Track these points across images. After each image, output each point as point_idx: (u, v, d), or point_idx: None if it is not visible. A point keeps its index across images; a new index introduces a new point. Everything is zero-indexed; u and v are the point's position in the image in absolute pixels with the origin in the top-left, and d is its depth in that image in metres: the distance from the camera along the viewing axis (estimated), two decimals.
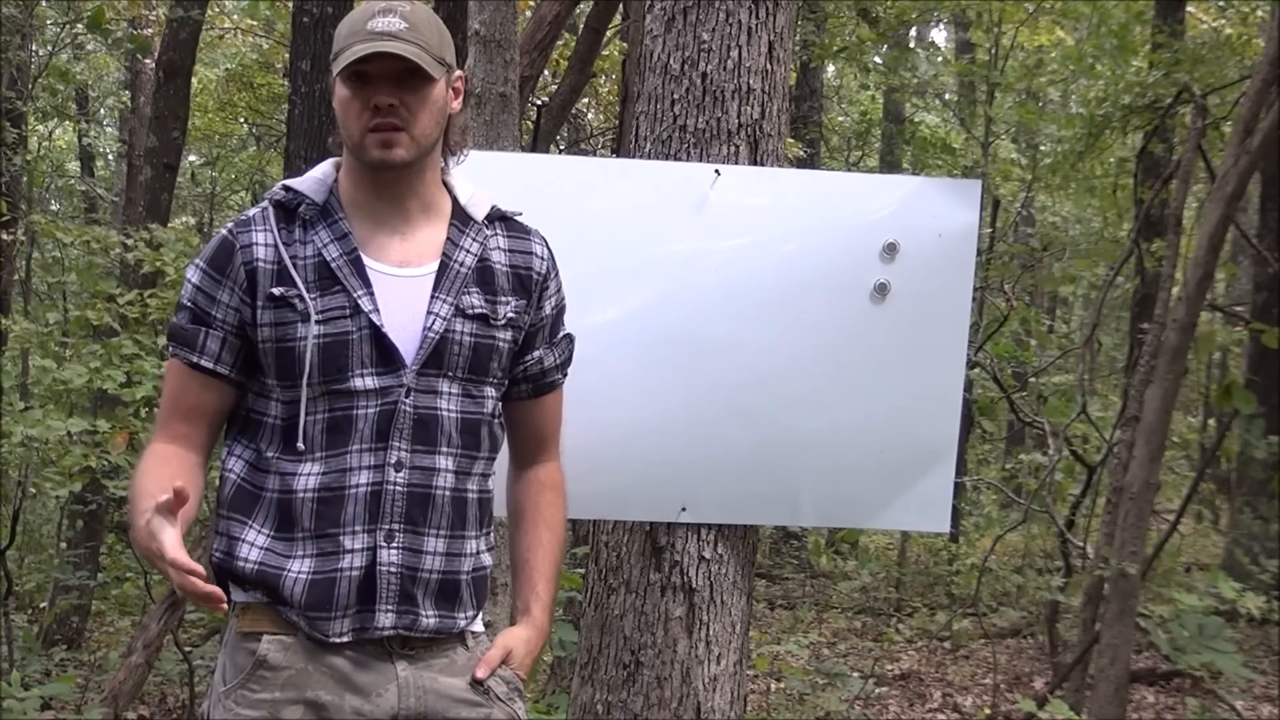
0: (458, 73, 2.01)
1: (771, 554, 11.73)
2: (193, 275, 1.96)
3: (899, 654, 8.32)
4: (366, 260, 1.95)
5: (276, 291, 1.92)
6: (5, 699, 4.49)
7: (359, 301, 1.92)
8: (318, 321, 1.90)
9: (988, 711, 6.65)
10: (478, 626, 2.06)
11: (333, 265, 1.94)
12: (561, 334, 2.15)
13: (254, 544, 1.93)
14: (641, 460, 2.65)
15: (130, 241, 5.87)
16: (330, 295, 1.92)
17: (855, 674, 6.71)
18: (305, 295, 1.91)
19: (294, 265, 1.93)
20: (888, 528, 3.17)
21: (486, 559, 2.06)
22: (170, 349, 1.98)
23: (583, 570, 3.39)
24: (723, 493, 2.66)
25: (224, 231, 1.97)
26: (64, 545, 7.50)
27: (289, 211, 1.97)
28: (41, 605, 7.80)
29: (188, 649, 5.85)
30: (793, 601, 10.22)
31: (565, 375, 2.17)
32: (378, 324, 1.92)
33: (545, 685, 5.39)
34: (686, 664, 2.65)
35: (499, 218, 2.09)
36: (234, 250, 1.94)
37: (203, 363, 1.94)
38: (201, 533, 5.08)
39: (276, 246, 1.94)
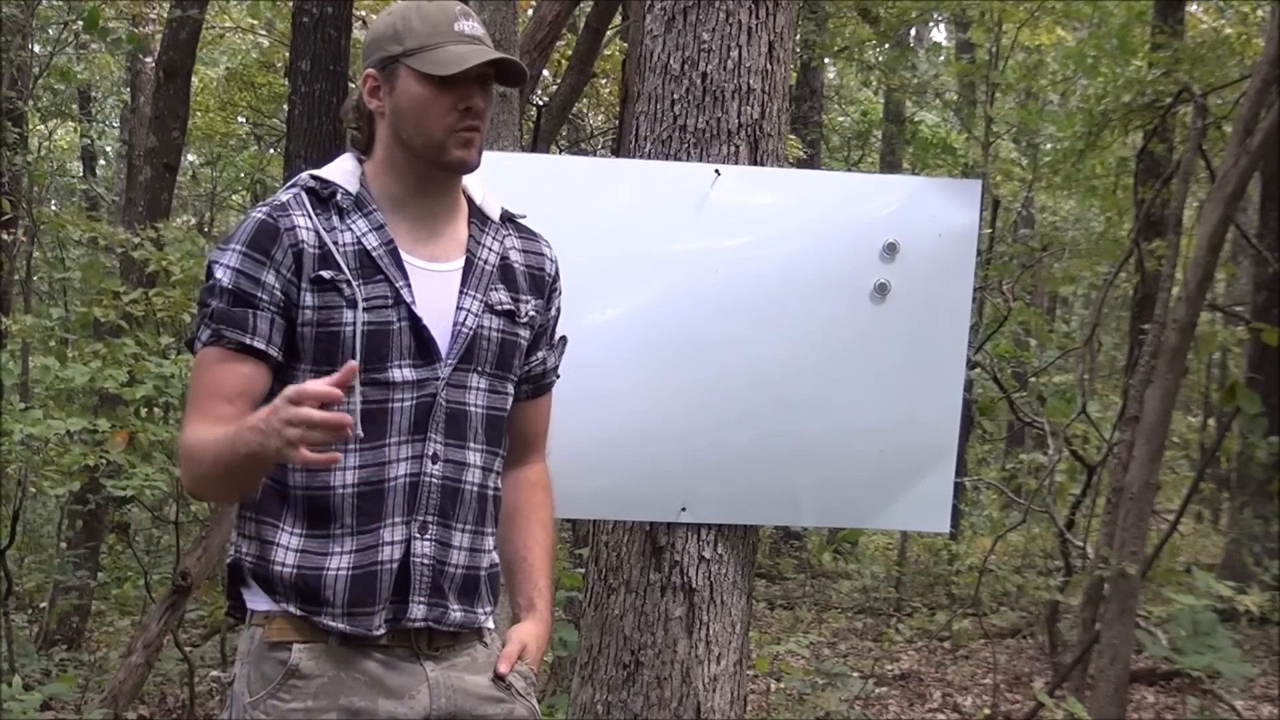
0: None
1: (771, 554, 11.73)
2: (230, 259, 1.89)
3: (899, 654, 8.32)
4: (402, 253, 1.95)
5: (325, 275, 1.89)
6: (6, 700, 4.48)
7: (400, 292, 1.92)
8: (363, 309, 1.89)
9: (987, 711, 6.64)
10: (491, 623, 2.07)
11: (374, 254, 1.92)
12: (559, 336, 2.18)
13: (288, 546, 1.91)
14: (641, 460, 2.65)
15: (137, 240, 5.87)
16: (373, 284, 1.91)
17: (855, 674, 6.71)
18: (351, 281, 1.90)
19: (337, 250, 1.91)
20: (888, 528, 3.17)
21: (497, 556, 2.07)
22: (208, 333, 1.89)
23: (583, 570, 3.39)
24: (723, 493, 2.67)
25: (260, 215, 1.92)
26: (64, 545, 7.49)
27: (321, 199, 1.95)
28: (41, 605, 7.80)
29: (188, 649, 5.85)
30: (793, 601, 10.22)
31: (559, 376, 2.19)
32: (418, 315, 1.92)
33: (545, 685, 5.38)
34: (686, 664, 2.65)
35: (509, 219, 2.11)
36: (278, 232, 1.90)
37: (255, 344, 1.88)
38: (201, 533, 5.08)
39: (317, 231, 1.91)
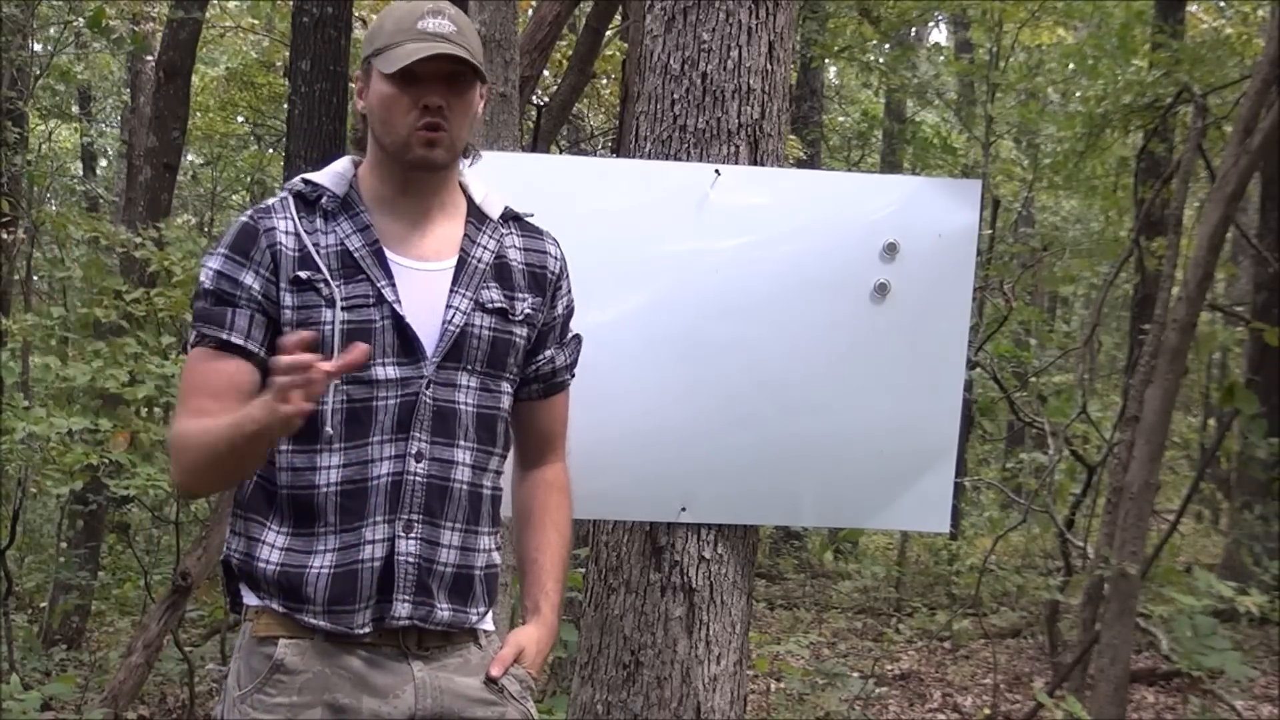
0: (486, 83, 2.03)
1: (771, 554, 11.73)
2: (214, 263, 1.93)
3: (899, 654, 8.32)
4: (388, 253, 1.96)
5: (303, 275, 1.91)
6: (5, 700, 4.49)
7: (382, 291, 1.92)
8: (342, 308, 1.90)
9: (987, 712, 6.65)
10: (488, 625, 2.06)
11: (355, 255, 1.93)
12: (571, 334, 2.17)
13: (273, 545, 1.92)
14: (641, 460, 2.65)
15: (139, 240, 5.87)
16: (354, 283, 1.92)
17: (855, 674, 6.71)
18: (330, 280, 1.91)
19: (316, 252, 1.93)
20: (888, 528, 3.17)
21: (496, 557, 2.06)
22: (195, 335, 1.93)
23: (583, 570, 3.39)
24: (723, 493, 2.66)
25: (244, 219, 1.96)
26: (64, 545, 7.49)
27: (309, 203, 1.97)
28: (41, 605, 7.80)
29: (188, 649, 5.85)
30: (793, 601, 10.22)
31: (573, 375, 2.18)
32: (400, 313, 1.92)
33: (545, 685, 5.38)
34: (686, 664, 2.65)
35: (512, 218, 2.10)
36: (258, 234, 1.93)
37: (233, 339, 1.90)
38: (201, 533, 5.08)
39: (298, 234, 1.93)
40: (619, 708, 2.66)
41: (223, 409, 1.86)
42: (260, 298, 1.91)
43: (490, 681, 1.99)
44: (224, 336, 1.90)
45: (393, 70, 1.90)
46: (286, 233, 1.93)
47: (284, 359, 1.69)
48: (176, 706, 6.25)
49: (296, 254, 1.92)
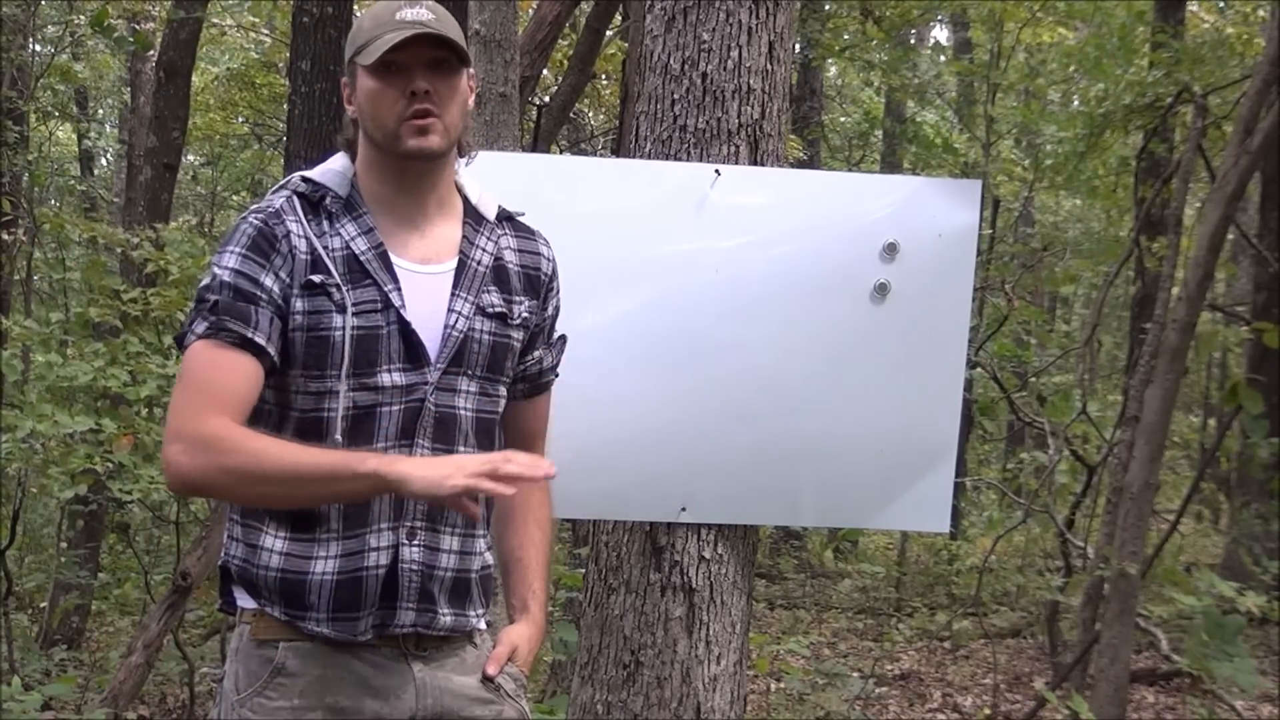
0: (470, 70, 2.02)
1: (771, 554, 11.72)
2: (230, 260, 1.87)
3: (899, 654, 8.32)
4: (391, 256, 1.95)
5: (315, 279, 1.89)
6: (6, 700, 4.48)
7: (389, 296, 1.91)
8: (353, 313, 1.89)
9: (987, 712, 6.65)
10: (483, 625, 2.07)
11: (362, 258, 1.92)
12: (557, 335, 2.16)
13: (272, 549, 1.91)
14: (641, 460, 2.65)
15: (136, 240, 5.87)
16: (362, 288, 1.90)
17: (855, 674, 6.71)
18: (341, 285, 1.89)
19: (326, 255, 1.91)
20: (888, 528, 3.17)
21: (490, 558, 2.07)
22: (205, 325, 1.85)
23: (583, 570, 3.39)
24: (723, 493, 2.67)
25: (255, 220, 1.91)
26: (64, 545, 7.49)
27: (312, 203, 1.95)
28: (41, 605, 7.81)
29: (188, 649, 5.85)
30: (793, 601, 10.22)
31: (557, 375, 2.18)
32: (407, 319, 1.91)
33: (545, 685, 5.38)
34: (686, 664, 2.65)
35: (506, 218, 2.09)
36: (276, 238, 1.90)
37: (256, 338, 1.85)
38: (201, 533, 5.08)
39: (308, 237, 1.91)
40: (619, 708, 2.66)
41: (241, 415, 1.83)
42: (280, 302, 1.88)
43: (487, 680, 2.00)
44: (248, 334, 1.85)
45: (373, 61, 1.89)
46: (299, 236, 1.91)
47: (526, 458, 1.79)
48: (176, 706, 6.25)
49: (308, 257, 1.90)
